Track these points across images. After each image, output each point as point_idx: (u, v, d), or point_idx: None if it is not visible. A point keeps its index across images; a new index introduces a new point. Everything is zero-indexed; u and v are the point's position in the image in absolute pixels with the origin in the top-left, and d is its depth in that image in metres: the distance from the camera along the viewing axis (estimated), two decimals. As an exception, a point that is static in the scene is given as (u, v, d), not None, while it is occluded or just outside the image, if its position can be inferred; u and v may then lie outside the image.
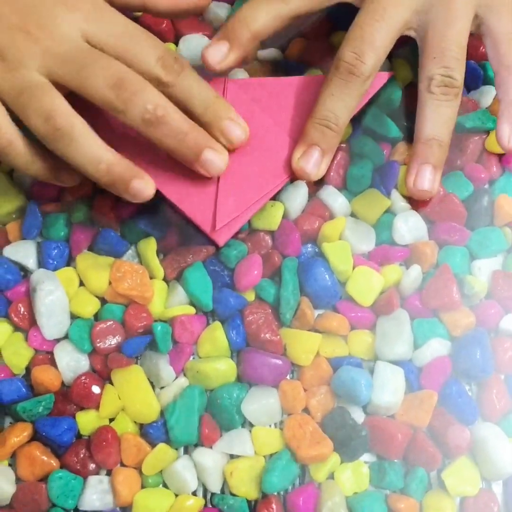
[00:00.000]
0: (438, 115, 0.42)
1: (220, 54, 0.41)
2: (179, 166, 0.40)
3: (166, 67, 0.38)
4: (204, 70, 0.46)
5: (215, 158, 0.39)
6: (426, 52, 0.42)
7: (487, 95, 0.47)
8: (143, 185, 0.38)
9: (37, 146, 0.38)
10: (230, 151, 0.40)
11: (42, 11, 0.38)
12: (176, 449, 0.40)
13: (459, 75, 0.41)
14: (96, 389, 0.40)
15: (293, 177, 0.42)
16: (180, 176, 0.41)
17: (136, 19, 0.47)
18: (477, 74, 0.47)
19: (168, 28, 0.47)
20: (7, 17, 0.37)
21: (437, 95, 0.41)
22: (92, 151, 0.37)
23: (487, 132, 0.46)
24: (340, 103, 0.40)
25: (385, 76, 0.44)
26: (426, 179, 0.42)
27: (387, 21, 0.40)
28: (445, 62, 0.41)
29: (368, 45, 0.40)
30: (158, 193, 0.40)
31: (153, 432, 0.40)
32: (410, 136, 0.44)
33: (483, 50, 0.48)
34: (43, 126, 0.36)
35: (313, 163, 0.41)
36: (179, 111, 0.38)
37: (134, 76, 0.37)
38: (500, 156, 0.45)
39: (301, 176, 0.41)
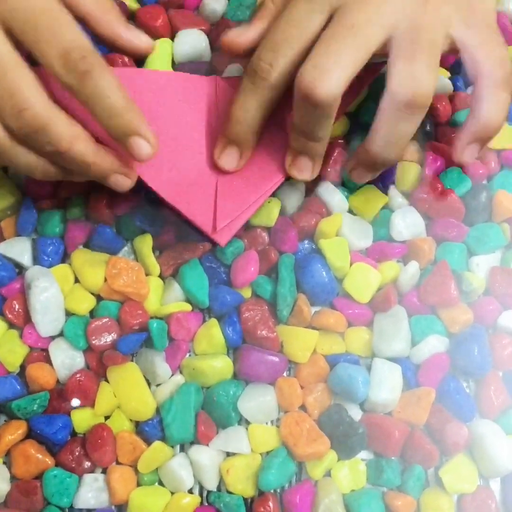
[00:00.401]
0: (394, 131, 0.38)
1: (235, 161, 0.41)
2: (177, 169, 0.40)
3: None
4: (196, 65, 0.46)
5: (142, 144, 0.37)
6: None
7: (485, 91, 0.46)
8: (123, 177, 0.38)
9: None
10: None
11: None
12: (172, 446, 0.40)
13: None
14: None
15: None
16: (179, 178, 0.40)
17: (132, 14, 0.47)
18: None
19: (164, 23, 0.47)
20: None
21: (401, 109, 0.37)
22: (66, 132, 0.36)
23: (485, 127, 0.45)
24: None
25: (380, 66, 0.43)
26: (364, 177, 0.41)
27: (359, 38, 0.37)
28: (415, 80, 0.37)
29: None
30: (158, 195, 0.40)
31: (149, 430, 0.39)
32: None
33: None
34: (16, 122, 0.35)
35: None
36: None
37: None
38: (499, 152, 0.45)
39: (297, 179, 0.41)
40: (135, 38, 0.40)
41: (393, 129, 0.38)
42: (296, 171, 0.41)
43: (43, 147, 0.36)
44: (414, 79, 0.36)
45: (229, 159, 0.41)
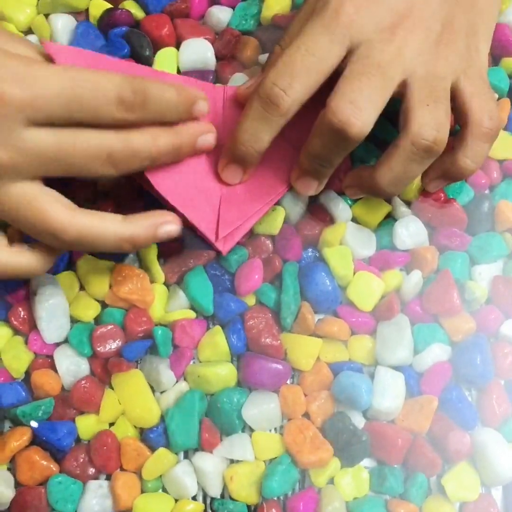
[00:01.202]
0: (405, 170, 0.39)
1: (238, 177, 0.41)
2: (184, 175, 0.40)
3: (126, 105, 0.36)
4: (201, 74, 0.46)
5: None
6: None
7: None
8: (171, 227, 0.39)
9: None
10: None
11: None
12: (176, 453, 0.40)
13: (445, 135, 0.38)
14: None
15: None
16: (186, 185, 0.40)
17: (137, 23, 0.48)
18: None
19: (170, 32, 0.47)
20: None
21: (418, 152, 0.38)
22: (112, 240, 0.37)
23: (488, 138, 0.46)
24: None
25: None
26: None
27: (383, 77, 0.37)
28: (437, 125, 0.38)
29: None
30: (163, 201, 0.40)
31: (153, 437, 0.40)
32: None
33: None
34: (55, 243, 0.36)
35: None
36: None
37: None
38: (501, 162, 0.46)
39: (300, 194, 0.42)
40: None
41: (405, 168, 0.38)
42: (301, 188, 0.41)
43: None
44: (436, 125, 0.37)
45: (232, 174, 0.41)
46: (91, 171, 0.36)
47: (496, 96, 0.41)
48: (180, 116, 0.39)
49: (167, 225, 0.38)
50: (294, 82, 0.37)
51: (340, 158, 0.39)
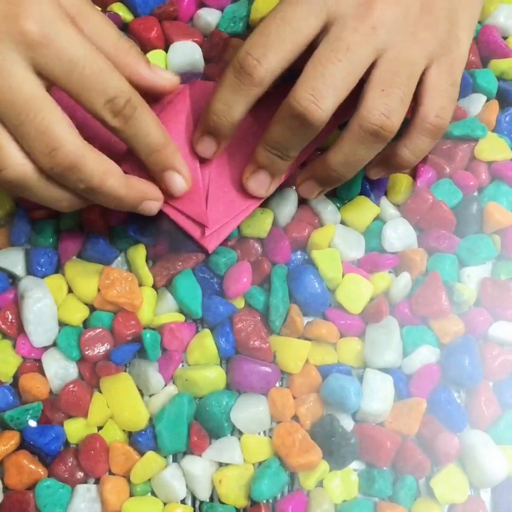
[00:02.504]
0: (353, 152, 0.38)
1: (211, 149, 0.40)
2: None
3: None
4: (189, 76, 0.46)
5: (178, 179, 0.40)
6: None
7: (476, 103, 0.47)
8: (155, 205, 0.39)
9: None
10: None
11: None
12: (165, 457, 0.40)
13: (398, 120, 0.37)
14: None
15: (283, 184, 0.42)
16: None
17: (125, 26, 0.48)
18: (466, 82, 0.47)
19: (158, 34, 0.47)
20: None
21: (366, 135, 0.37)
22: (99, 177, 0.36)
23: (476, 139, 0.46)
24: (292, 139, 0.38)
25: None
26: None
27: (351, 59, 0.36)
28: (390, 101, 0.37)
29: (329, 87, 0.36)
30: None
31: (141, 440, 0.39)
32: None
33: (473, 58, 0.48)
34: (47, 161, 0.35)
35: (259, 185, 0.41)
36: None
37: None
38: (489, 164, 0.46)
39: (250, 193, 0.41)
40: (157, 76, 0.39)
41: (354, 150, 0.38)
42: (254, 185, 0.41)
43: (75, 184, 0.36)
44: (387, 111, 0.37)
45: (205, 147, 0.40)
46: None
47: (456, 96, 0.39)
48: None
49: (153, 202, 0.39)
50: (268, 52, 0.36)
51: (298, 148, 0.39)
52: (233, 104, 0.38)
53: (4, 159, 0.34)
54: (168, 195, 0.40)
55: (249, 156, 0.41)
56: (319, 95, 0.36)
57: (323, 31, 0.37)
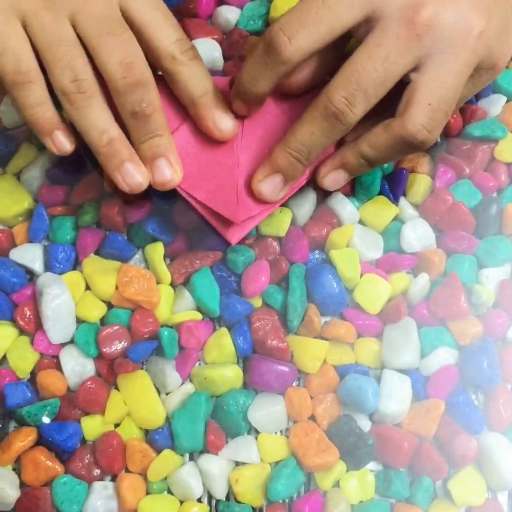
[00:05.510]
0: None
1: (242, 111, 0.40)
2: (198, 162, 0.40)
3: (182, 49, 0.38)
4: (213, 72, 0.46)
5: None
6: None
7: (496, 104, 0.47)
8: (136, 169, 0.39)
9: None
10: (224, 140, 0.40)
11: None
12: (182, 455, 0.40)
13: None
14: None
15: (310, 178, 0.41)
16: (200, 172, 0.40)
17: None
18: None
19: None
20: None
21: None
22: (101, 121, 0.38)
23: (496, 140, 0.45)
24: (318, 141, 0.37)
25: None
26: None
27: (387, 70, 0.35)
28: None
29: (362, 93, 0.36)
30: (172, 193, 0.40)
31: (158, 438, 0.39)
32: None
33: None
34: (68, 84, 0.37)
35: (272, 190, 0.39)
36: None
37: (144, 65, 0.37)
38: (509, 165, 0.45)
39: (259, 197, 0.40)
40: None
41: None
42: (267, 189, 0.39)
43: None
44: (429, 126, 0.36)
45: (236, 107, 0.40)
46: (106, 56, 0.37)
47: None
48: (203, 96, 0.39)
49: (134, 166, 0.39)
50: (302, 30, 0.35)
51: (318, 152, 0.38)
52: (258, 78, 0.37)
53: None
54: (198, 186, 0.40)
55: None
56: (352, 100, 0.36)
57: (363, 24, 0.36)
